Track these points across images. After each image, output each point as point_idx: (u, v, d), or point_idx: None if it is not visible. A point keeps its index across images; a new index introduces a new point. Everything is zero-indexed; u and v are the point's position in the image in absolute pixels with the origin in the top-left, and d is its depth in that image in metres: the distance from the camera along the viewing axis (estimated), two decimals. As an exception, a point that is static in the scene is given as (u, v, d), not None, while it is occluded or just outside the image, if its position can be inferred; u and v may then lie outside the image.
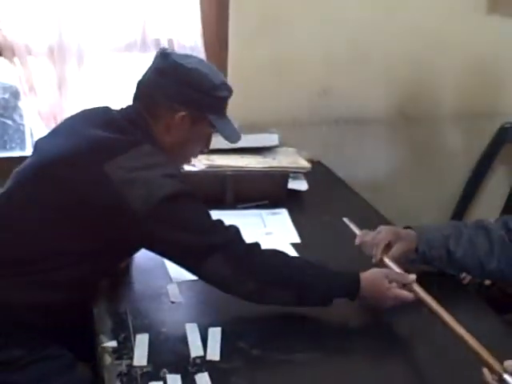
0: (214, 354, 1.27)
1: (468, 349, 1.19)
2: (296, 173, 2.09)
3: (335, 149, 2.43)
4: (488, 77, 2.55)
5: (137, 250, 1.47)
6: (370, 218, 1.96)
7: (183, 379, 1.19)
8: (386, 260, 1.48)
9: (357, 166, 2.47)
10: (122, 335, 1.32)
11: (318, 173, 2.21)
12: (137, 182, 1.28)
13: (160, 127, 1.43)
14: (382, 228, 1.55)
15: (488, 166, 2.73)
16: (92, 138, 1.37)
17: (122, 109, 1.47)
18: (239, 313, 1.40)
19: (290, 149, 2.22)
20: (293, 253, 1.69)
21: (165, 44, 2.12)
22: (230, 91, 1.47)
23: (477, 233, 1.52)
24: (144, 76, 1.46)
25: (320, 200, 2.07)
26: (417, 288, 1.37)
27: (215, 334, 1.32)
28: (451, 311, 1.28)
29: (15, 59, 1.99)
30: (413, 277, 1.40)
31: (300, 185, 2.09)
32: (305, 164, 2.11)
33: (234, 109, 2.25)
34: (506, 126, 2.67)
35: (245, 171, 2.01)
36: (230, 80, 2.25)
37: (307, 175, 2.12)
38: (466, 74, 2.52)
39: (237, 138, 1.53)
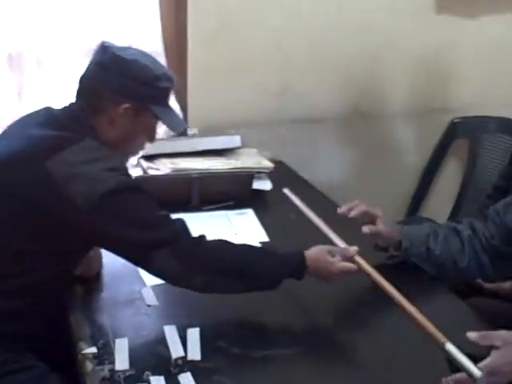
0: (194, 354, 1.29)
1: (411, 320, 1.25)
2: (260, 173, 2.13)
3: (295, 148, 2.47)
4: (437, 74, 2.64)
5: (91, 246, 1.48)
6: (331, 214, 2.02)
7: (167, 380, 1.22)
8: (331, 235, 1.55)
9: (316, 164, 2.53)
10: (101, 341, 1.33)
11: (280, 172, 2.24)
12: (78, 177, 1.28)
13: (104, 121, 1.42)
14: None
15: (440, 160, 2.81)
16: (33, 138, 1.36)
17: (64, 107, 1.46)
18: (216, 312, 1.43)
19: (252, 149, 2.26)
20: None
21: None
22: (171, 81, 1.47)
23: (450, 233, 1.60)
24: (86, 71, 1.44)
25: (284, 199, 2.10)
26: (359, 260, 1.44)
27: (194, 334, 1.35)
28: (414, 296, 1.33)
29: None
30: (354, 249, 1.47)
31: (264, 184, 2.12)
32: (268, 164, 2.16)
33: (195, 111, 2.32)
34: (456, 121, 2.76)
35: (210, 173, 2.03)
36: (190, 83, 2.29)
37: (270, 175, 2.17)
38: (416, 71, 2.60)
39: (181, 127, 1.57)
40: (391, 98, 2.60)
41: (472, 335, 1.17)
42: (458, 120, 2.77)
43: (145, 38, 2.13)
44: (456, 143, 2.79)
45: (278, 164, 2.32)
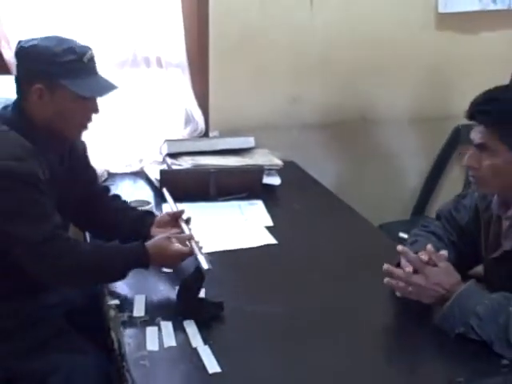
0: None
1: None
2: (270, 169, 2.39)
3: (305, 150, 2.71)
4: (440, 84, 2.87)
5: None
6: (336, 207, 2.28)
7: (174, 324, 1.48)
8: (180, 221, 1.77)
9: (324, 165, 2.76)
10: (123, 295, 1.61)
11: (290, 170, 2.50)
12: None
13: (32, 107, 1.56)
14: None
15: (444, 164, 2.99)
16: None
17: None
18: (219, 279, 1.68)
19: (265, 150, 2.53)
20: (267, 235, 1.99)
21: (153, 61, 2.44)
22: (79, 54, 1.55)
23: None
24: None
25: (291, 192, 2.36)
26: (193, 243, 1.63)
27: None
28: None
29: None
30: (190, 234, 1.67)
31: (274, 180, 2.38)
32: (278, 162, 2.43)
33: (216, 116, 2.60)
34: (460, 127, 2.96)
35: (225, 168, 2.31)
36: (211, 91, 2.57)
37: (280, 172, 2.42)
38: (420, 81, 2.83)
39: (101, 92, 1.60)
40: (397, 104, 2.83)
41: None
42: (463, 126, 2.96)
43: (170, 51, 2.43)
44: (460, 149, 2.99)
45: (289, 164, 2.57)
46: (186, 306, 1.51)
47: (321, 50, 2.66)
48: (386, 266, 1.56)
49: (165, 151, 2.42)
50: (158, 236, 1.66)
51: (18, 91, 1.60)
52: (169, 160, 2.38)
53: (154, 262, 1.62)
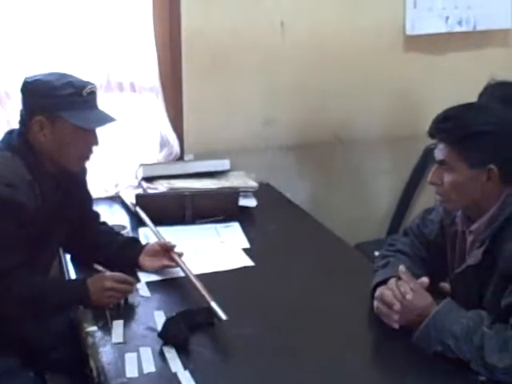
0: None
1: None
2: (246, 191, 2.41)
3: (280, 171, 2.73)
4: (410, 104, 2.93)
5: None
6: (311, 227, 2.30)
7: (153, 350, 1.47)
8: (173, 255, 1.84)
9: (299, 186, 2.79)
10: (101, 323, 1.60)
11: (265, 192, 2.52)
12: None
13: (33, 137, 1.64)
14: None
15: (417, 184, 3.03)
16: None
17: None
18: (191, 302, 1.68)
19: (240, 172, 2.55)
20: (244, 257, 2.00)
21: (127, 86, 2.45)
22: (77, 88, 1.62)
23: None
24: None
25: (267, 214, 2.37)
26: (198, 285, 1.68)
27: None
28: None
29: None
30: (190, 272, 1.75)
31: (249, 202, 2.39)
32: (253, 184, 2.44)
33: (191, 139, 2.62)
34: (431, 147, 3.01)
35: (201, 191, 2.32)
36: (185, 114, 2.59)
37: (256, 194, 2.44)
38: (390, 101, 2.88)
39: (98, 123, 1.68)
40: (368, 126, 2.87)
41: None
42: (433, 146, 3.02)
43: (144, 75, 2.45)
44: (431, 168, 3.03)
45: (265, 185, 2.60)
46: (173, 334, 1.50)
47: (292, 73, 2.70)
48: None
49: (140, 175, 2.42)
50: (98, 274, 1.72)
51: (22, 122, 1.67)
52: (144, 184, 2.38)
53: (93, 301, 1.64)
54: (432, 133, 1.57)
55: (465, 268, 1.56)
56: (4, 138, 1.72)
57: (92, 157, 1.74)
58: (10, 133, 1.71)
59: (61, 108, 1.61)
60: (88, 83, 1.67)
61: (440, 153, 1.54)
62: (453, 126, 1.51)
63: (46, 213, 1.63)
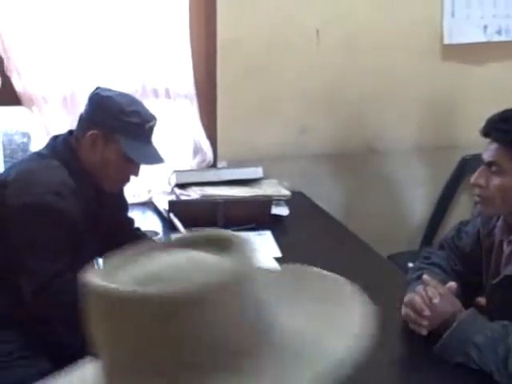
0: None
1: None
2: (278, 200, 2.40)
3: (313, 180, 2.72)
4: (445, 114, 2.88)
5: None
6: (343, 237, 2.28)
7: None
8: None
9: (333, 195, 2.77)
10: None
11: (298, 200, 2.51)
12: (16, 183, 1.59)
13: (83, 147, 1.67)
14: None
15: (452, 195, 2.99)
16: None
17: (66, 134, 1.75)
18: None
19: (273, 180, 2.54)
20: (275, 266, 1.98)
21: (162, 93, 2.47)
22: (143, 119, 1.66)
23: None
24: None
25: (299, 222, 2.36)
26: None
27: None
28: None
29: (34, 108, 2.31)
30: None
31: (282, 210, 2.38)
32: (286, 192, 2.43)
33: (224, 147, 2.62)
34: (467, 157, 2.97)
35: (234, 199, 2.32)
36: (219, 122, 2.59)
37: (289, 202, 2.43)
38: (425, 111, 2.85)
39: (147, 161, 1.73)
40: (402, 135, 2.84)
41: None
42: (469, 157, 2.98)
43: (179, 82, 2.46)
44: (467, 178, 2.99)
45: (297, 194, 2.58)
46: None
47: (327, 81, 2.69)
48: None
49: (173, 182, 2.43)
50: None
51: (78, 128, 1.70)
52: (177, 190, 2.39)
53: None
54: (487, 132, 1.52)
55: (502, 278, 1.52)
56: (49, 144, 1.74)
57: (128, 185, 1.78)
58: (55, 139, 1.73)
59: (120, 132, 1.64)
60: (152, 118, 1.70)
61: (491, 154, 1.49)
62: (510, 126, 1.47)
63: (86, 222, 1.64)
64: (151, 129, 1.70)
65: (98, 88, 1.72)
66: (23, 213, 1.56)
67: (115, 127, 1.64)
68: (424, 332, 1.50)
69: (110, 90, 1.74)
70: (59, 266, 1.57)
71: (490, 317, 1.48)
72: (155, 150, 1.74)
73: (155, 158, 1.73)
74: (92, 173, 1.68)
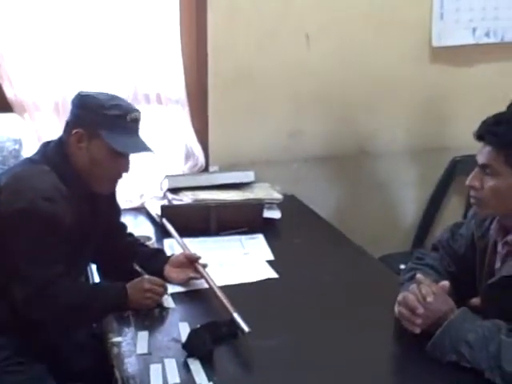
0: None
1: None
2: (270, 203, 2.41)
3: (305, 183, 2.73)
4: (435, 116, 2.91)
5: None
6: (336, 240, 2.29)
7: (177, 362, 1.48)
8: (198, 267, 1.84)
9: (325, 198, 2.78)
10: (126, 333, 1.61)
11: (290, 204, 2.52)
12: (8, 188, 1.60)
13: (70, 149, 1.68)
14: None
15: (442, 196, 3.02)
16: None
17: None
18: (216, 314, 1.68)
19: (265, 184, 2.55)
20: (268, 269, 2.00)
21: (153, 98, 2.48)
22: (124, 111, 1.66)
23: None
24: None
25: (292, 226, 2.37)
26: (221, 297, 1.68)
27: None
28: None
29: (25, 115, 2.32)
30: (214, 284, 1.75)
31: (274, 214, 2.39)
32: (278, 196, 2.44)
33: (216, 151, 2.63)
34: (457, 159, 2.99)
35: (226, 203, 2.33)
36: (211, 126, 2.60)
37: (281, 206, 2.44)
38: (415, 114, 2.87)
39: (133, 150, 1.70)
40: (394, 138, 2.86)
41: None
42: (460, 158, 3.00)
43: (170, 87, 2.46)
44: (458, 179, 3.01)
45: (289, 197, 2.60)
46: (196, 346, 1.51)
47: (317, 85, 2.70)
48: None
49: (165, 186, 2.44)
50: (136, 279, 1.74)
51: (64, 131, 1.71)
52: (169, 195, 2.40)
53: (132, 304, 1.69)
54: (481, 135, 1.53)
55: (499, 279, 1.54)
56: (40, 150, 1.74)
57: (120, 182, 1.77)
58: (46, 145, 1.74)
59: (102, 127, 1.64)
60: (134, 110, 1.70)
61: (485, 156, 1.51)
62: (505, 130, 1.48)
63: (78, 227, 1.65)
64: (135, 121, 1.69)
65: (79, 92, 1.73)
66: (15, 219, 1.57)
67: (97, 122, 1.64)
68: (417, 330, 1.52)
69: (90, 91, 1.75)
70: (52, 272, 1.58)
71: (485, 317, 1.49)
72: (141, 140, 1.73)
73: (141, 147, 1.72)
74: (83, 175, 1.68)
